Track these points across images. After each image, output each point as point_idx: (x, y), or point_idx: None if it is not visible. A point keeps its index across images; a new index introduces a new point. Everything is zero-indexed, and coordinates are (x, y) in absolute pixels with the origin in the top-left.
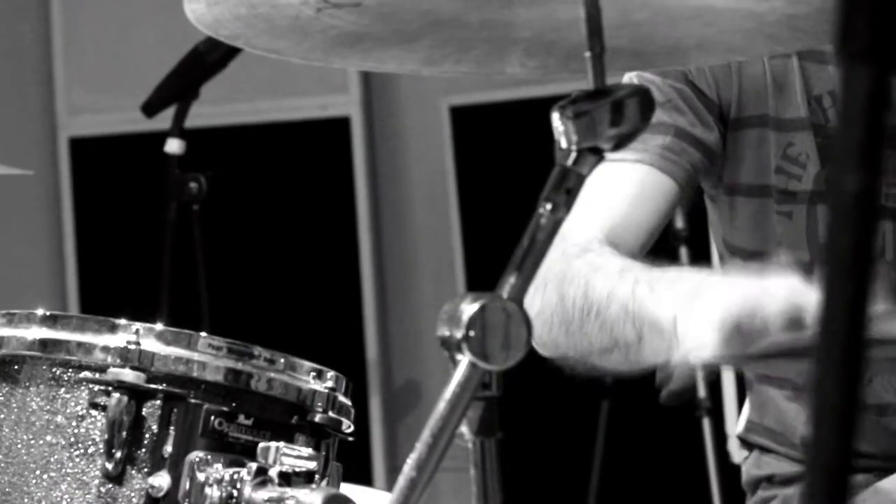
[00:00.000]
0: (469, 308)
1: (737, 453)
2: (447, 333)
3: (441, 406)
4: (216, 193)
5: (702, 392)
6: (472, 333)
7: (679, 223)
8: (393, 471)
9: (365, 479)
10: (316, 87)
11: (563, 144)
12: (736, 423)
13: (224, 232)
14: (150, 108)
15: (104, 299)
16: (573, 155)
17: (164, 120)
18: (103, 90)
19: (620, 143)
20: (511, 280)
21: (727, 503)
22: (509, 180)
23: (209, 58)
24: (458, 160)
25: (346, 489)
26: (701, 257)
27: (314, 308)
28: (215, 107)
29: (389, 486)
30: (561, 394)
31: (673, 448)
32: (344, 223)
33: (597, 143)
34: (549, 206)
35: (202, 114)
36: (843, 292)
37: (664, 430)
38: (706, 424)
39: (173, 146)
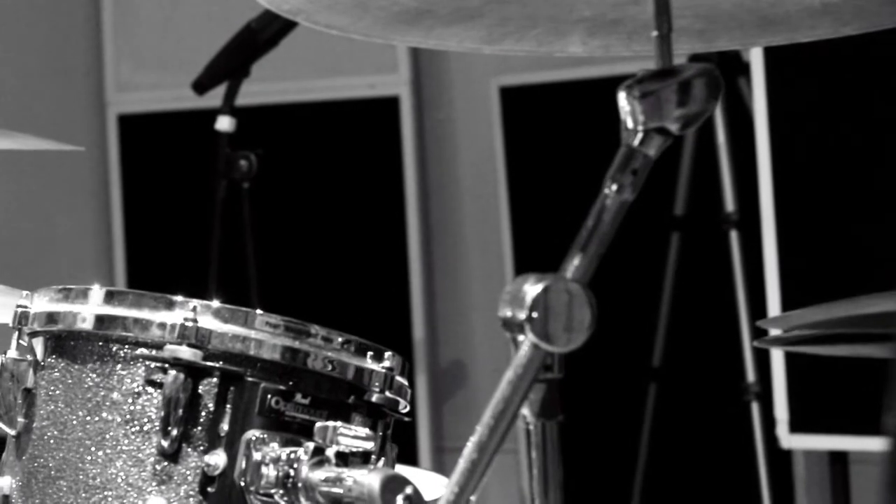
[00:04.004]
0: (532, 289)
1: (785, 438)
2: (509, 314)
3: (503, 387)
4: (266, 171)
5: (751, 376)
6: (535, 315)
7: (730, 206)
8: (438, 451)
9: (410, 459)
10: (365, 66)
11: (630, 125)
12: (785, 409)
13: (273, 210)
14: (201, 86)
15: (153, 277)
16: (639, 135)
17: (214, 98)
18: (153, 67)
19: (687, 124)
20: (575, 261)
21: (775, 488)
22: (558, 161)
23: (261, 36)
24: (508, 141)
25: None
26: (752, 241)
27: (361, 287)
28: (266, 85)
29: (435, 467)
30: (608, 377)
31: (721, 432)
32: (392, 202)
33: (663, 123)
34: (614, 187)
35: (253, 92)
36: None
37: (712, 415)
38: (755, 409)
39: (224, 124)
